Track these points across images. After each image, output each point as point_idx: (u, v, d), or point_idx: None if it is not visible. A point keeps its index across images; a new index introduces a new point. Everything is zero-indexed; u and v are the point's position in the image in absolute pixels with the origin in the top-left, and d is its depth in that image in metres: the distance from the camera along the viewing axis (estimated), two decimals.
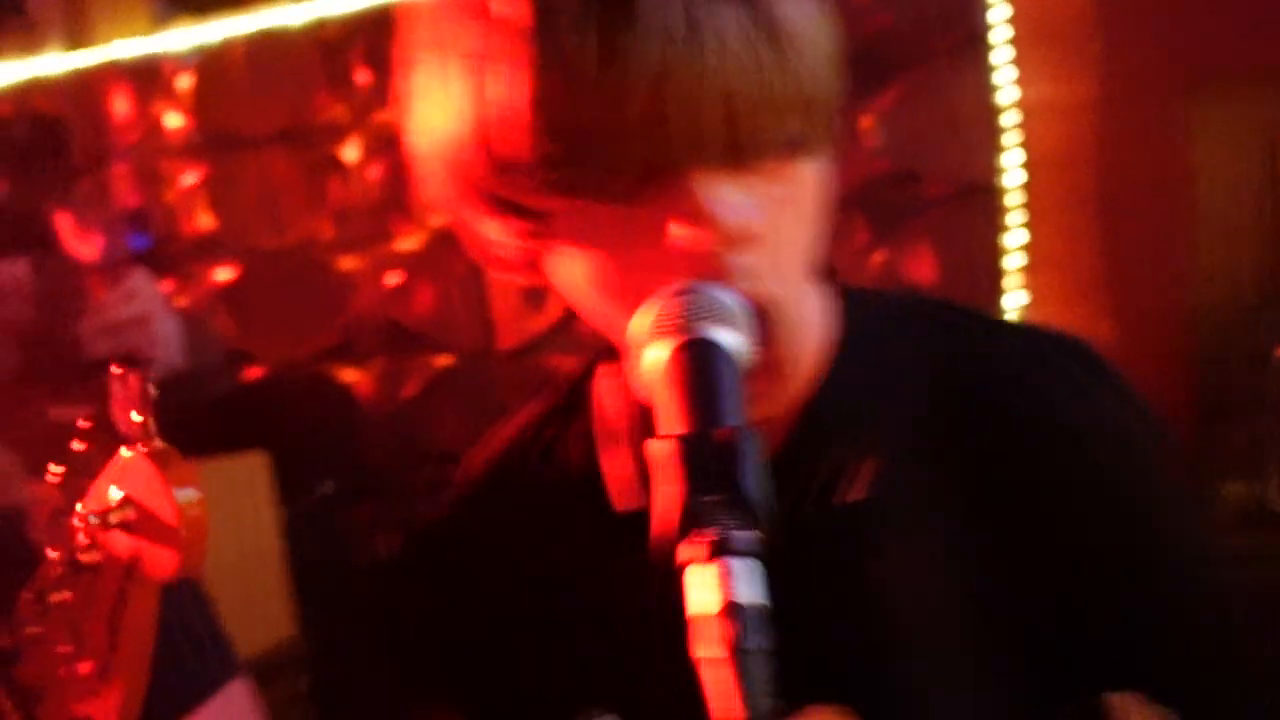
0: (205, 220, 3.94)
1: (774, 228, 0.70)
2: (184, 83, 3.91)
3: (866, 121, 2.91)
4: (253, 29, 3.75)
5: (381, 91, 3.56)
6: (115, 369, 0.75)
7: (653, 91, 0.64)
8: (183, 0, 3.94)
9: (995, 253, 2.84)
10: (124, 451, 0.75)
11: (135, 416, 0.74)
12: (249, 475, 2.84)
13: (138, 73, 4.01)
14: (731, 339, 0.64)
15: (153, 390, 0.75)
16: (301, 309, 3.79)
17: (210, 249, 3.94)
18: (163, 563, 0.73)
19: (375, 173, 3.61)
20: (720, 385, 0.61)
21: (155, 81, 3.97)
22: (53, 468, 0.81)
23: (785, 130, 0.68)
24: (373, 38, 3.54)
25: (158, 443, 0.74)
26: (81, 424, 0.79)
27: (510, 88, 0.66)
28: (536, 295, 3.39)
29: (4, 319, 3.81)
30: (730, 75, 0.65)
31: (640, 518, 0.59)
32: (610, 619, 0.78)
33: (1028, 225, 2.84)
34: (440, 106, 0.70)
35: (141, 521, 0.73)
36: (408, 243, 3.60)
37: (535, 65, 0.65)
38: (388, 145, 3.58)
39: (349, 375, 3.72)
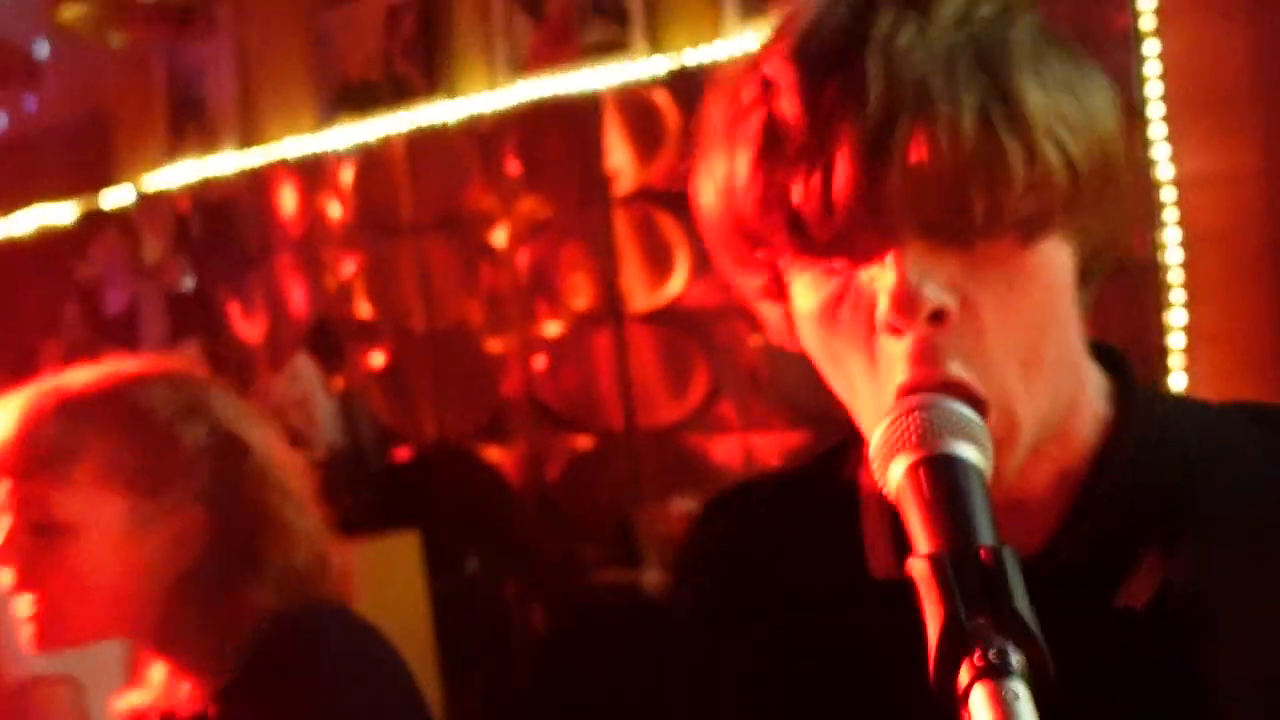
0: (362, 305, 4.13)
1: (992, 315, 0.66)
2: (346, 176, 4.14)
3: None
4: (410, 125, 3.96)
5: (530, 181, 3.70)
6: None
7: (876, 160, 0.64)
8: (346, 100, 4.19)
9: (1156, 331, 2.75)
10: None
11: None
12: (402, 552, 2.93)
13: (303, 168, 4.27)
14: (974, 454, 0.63)
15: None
16: (452, 390, 3.92)
17: (367, 333, 4.12)
18: None
19: (523, 259, 3.73)
20: (972, 502, 0.60)
21: (319, 175, 4.22)
22: None
23: (1016, 211, 0.65)
24: (523, 130, 3.69)
25: None
26: None
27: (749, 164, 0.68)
28: (679, 379, 3.42)
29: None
30: (962, 154, 0.63)
31: (901, 588, 0.58)
32: (869, 697, 0.76)
33: (1188, 303, 2.74)
34: (711, 180, 0.72)
35: None
36: (553, 327, 3.69)
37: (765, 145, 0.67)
38: (535, 233, 3.70)
39: (495, 455, 3.82)
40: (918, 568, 0.57)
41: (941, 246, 0.65)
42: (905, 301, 0.64)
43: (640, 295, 3.49)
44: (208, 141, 4.70)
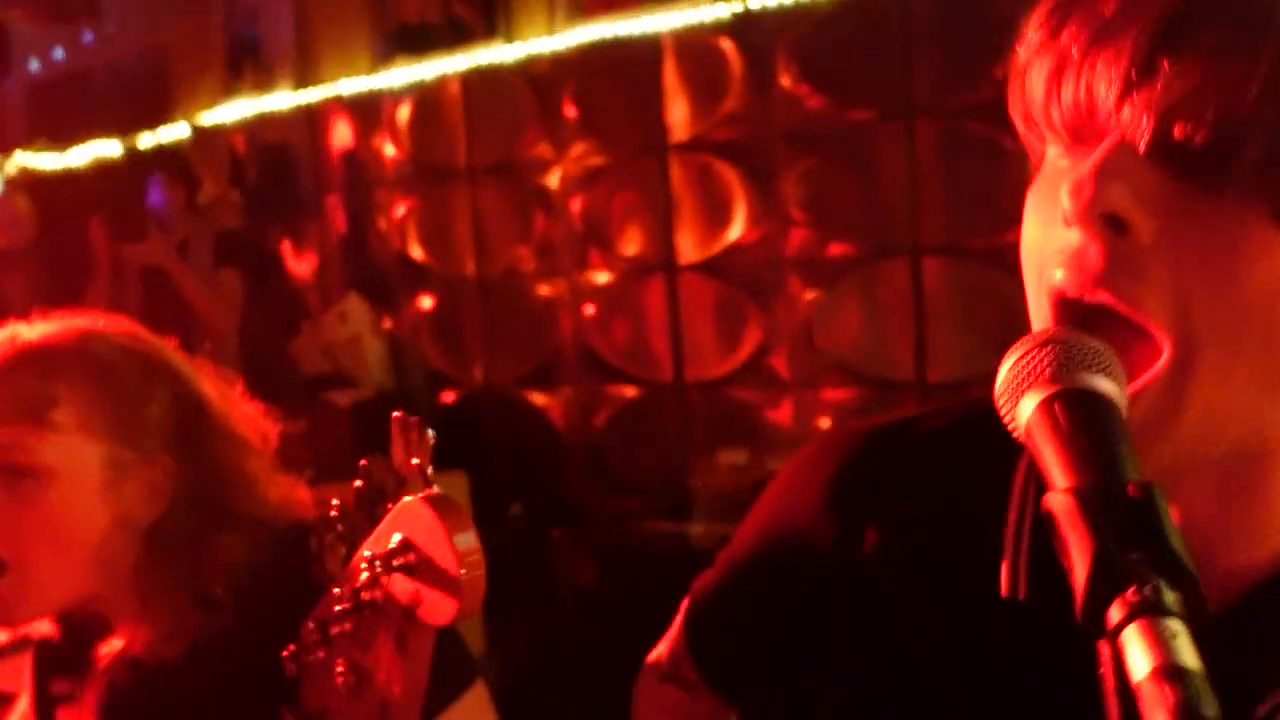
0: (414, 247, 4.12)
1: (1197, 271, 0.62)
2: (401, 117, 4.11)
3: None
4: (467, 67, 3.92)
5: (586, 127, 3.65)
6: (396, 416, 0.77)
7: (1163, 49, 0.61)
8: (402, 41, 4.15)
9: None
10: (406, 497, 0.75)
11: (414, 461, 0.75)
12: (449, 492, 2.93)
13: (359, 108, 4.25)
14: (1113, 390, 0.59)
15: (431, 438, 0.76)
16: (501, 336, 3.91)
17: (418, 275, 4.11)
18: (441, 609, 0.72)
19: (577, 205, 3.69)
20: (1115, 436, 0.56)
21: (375, 116, 4.20)
22: (334, 501, 0.82)
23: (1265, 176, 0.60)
24: (581, 75, 3.64)
25: (436, 489, 0.74)
26: (362, 463, 0.80)
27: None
28: (731, 332, 3.38)
29: (223, 333, 4.04)
30: (1229, 87, 0.60)
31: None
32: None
33: None
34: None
35: (421, 566, 0.73)
36: (605, 275, 3.66)
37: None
38: (590, 180, 3.66)
39: (543, 402, 3.81)
40: (1059, 502, 0.53)
41: (1173, 172, 0.61)
42: (1080, 186, 0.61)
43: (695, 246, 3.44)
44: (264, 80, 4.69)
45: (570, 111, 3.68)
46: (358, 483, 0.78)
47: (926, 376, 3.05)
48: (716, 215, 3.38)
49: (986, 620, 0.74)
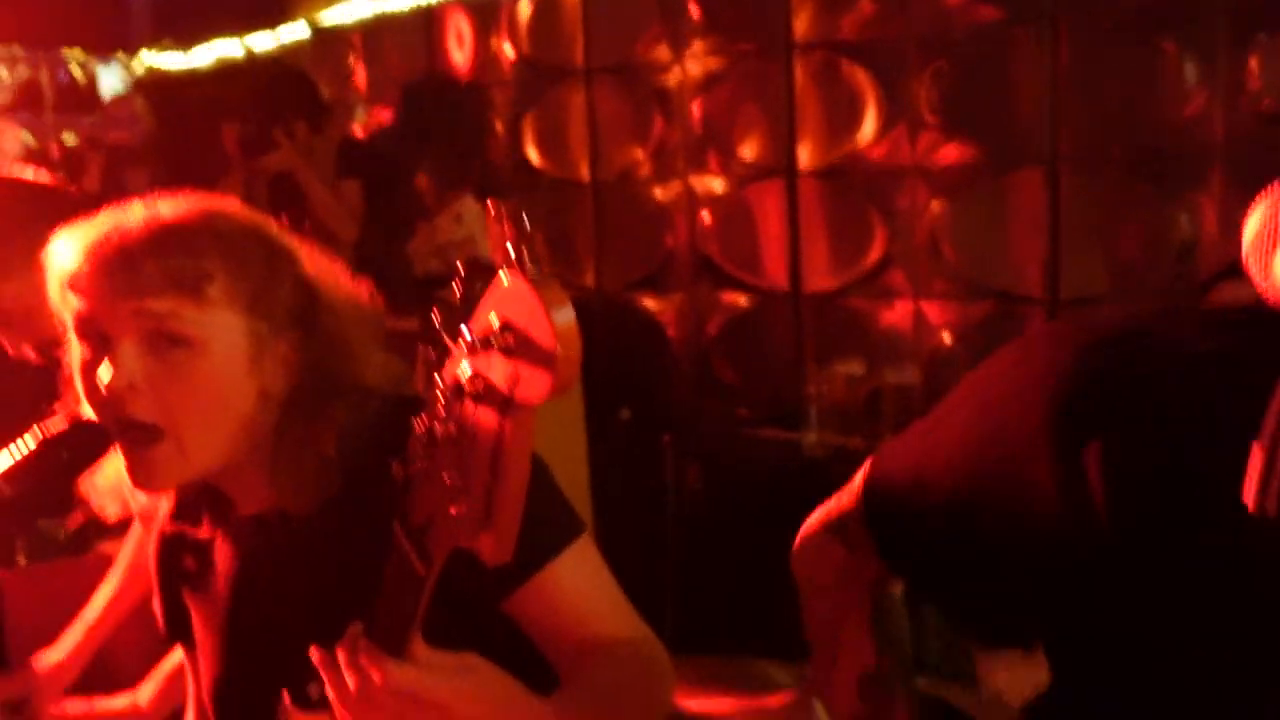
0: (530, 149, 4.09)
1: None
2: (520, 16, 4.05)
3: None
4: None
5: (709, 27, 3.55)
6: (490, 205, 0.77)
7: None
8: None
9: None
10: (502, 277, 0.75)
11: (510, 248, 0.75)
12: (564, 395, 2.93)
13: (477, 7, 4.20)
14: None
15: (526, 223, 0.76)
16: (614, 240, 3.87)
17: (533, 177, 4.09)
18: (537, 385, 0.72)
19: (697, 108, 3.61)
20: None
21: (493, 15, 4.14)
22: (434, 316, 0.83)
23: None
24: None
25: (530, 267, 0.74)
26: (459, 263, 0.81)
27: None
28: (851, 241, 3.29)
29: (342, 241, 4.10)
30: None
31: None
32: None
33: None
34: None
35: (519, 345, 0.73)
36: (723, 180, 3.58)
37: None
38: (711, 82, 3.56)
39: (654, 307, 3.78)
40: None
41: None
42: None
43: (817, 151, 3.34)
44: None
45: (693, 10, 3.57)
46: (456, 283, 0.78)
47: (1058, 292, 2.93)
48: (841, 119, 3.27)
49: (1220, 530, 0.70)
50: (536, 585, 1.11)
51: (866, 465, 1.04)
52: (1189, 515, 0.73)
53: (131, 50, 5.90)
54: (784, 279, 3.43)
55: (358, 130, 4.78)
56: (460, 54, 4.30)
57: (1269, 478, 0.68)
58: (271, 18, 5.19)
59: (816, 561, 1.08)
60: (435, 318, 0.80)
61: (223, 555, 1.25)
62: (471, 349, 0.75)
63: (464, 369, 0.76)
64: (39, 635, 2.08)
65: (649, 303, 3.78)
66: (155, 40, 5.86)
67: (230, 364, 1.12)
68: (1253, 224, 0.57)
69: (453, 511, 0.79)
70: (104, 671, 2.01)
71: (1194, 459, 0.74)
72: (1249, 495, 0.68)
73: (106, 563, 2.35)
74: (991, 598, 0.91)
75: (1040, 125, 2.95)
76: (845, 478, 2.95)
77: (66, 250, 1.13)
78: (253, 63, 5.35)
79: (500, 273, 0.75)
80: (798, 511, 2.93)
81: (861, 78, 3.21)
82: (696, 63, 3.59)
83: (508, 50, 4.13)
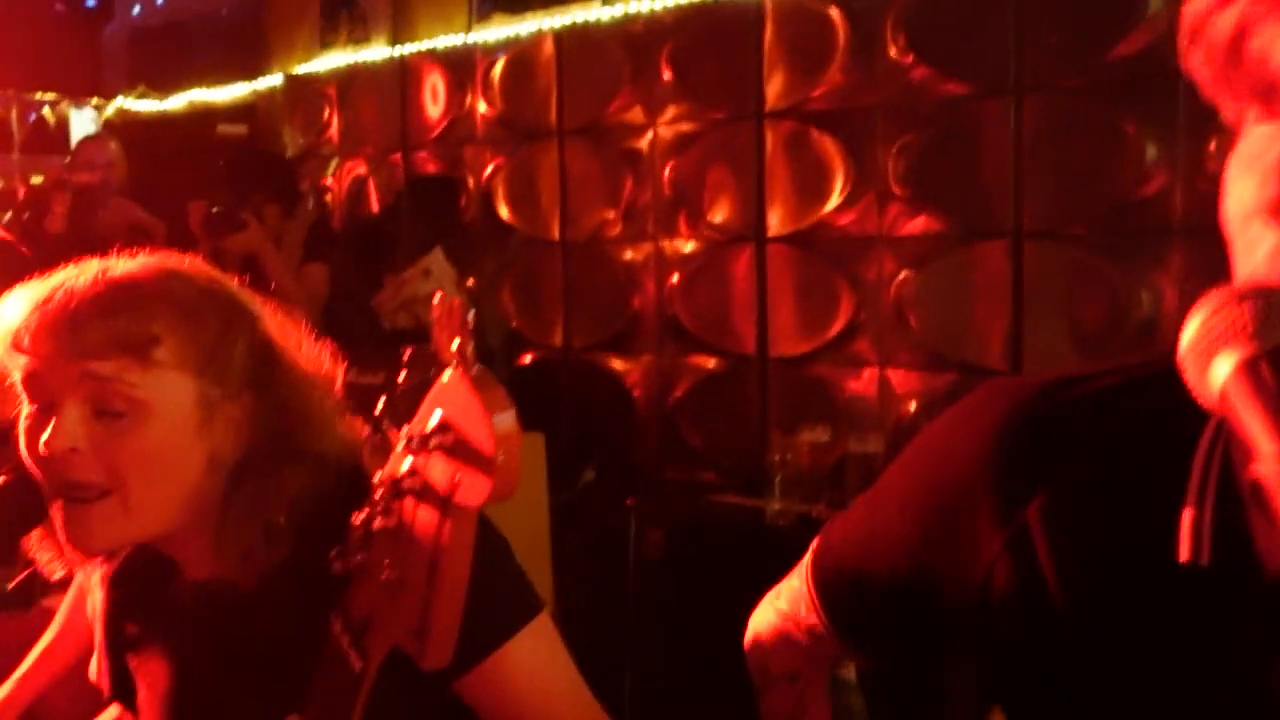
0: (500, 206, 4.09)
1: None
2: (494, 75, 4.08)
3: None
4: (562, 25, 3.87)
5: (681, 91, 3.58)
6: (437, 300, 0.76)
7: None
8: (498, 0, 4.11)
9: None
10: (444, 376, 0.73)
11: (454, 344, 0.73)
12: (527, 454, 2.91)
13: (451, 63, 4.23)
14: None
15: (471, 320, 0.74)
16: (583, 300, 3.87)
17: (502, 234, 4.09)
18: (476, 489, 0.70)
19: (668, 171, 3.63)
20: None
21: (467, 72, 4.17)
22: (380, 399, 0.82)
23: None
24: (678, 37, 3.56)
25: (475, 368, 0.72)
26: (406, 353, 0.80)
27: None
28: (818, 308, 3.30)
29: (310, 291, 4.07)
30: None
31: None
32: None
33: None
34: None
35: (458, 446, 0.71)
36: (692, 243, 3.60)
37: None
38: (682, 145, 3.59)
39: (621, 369, 3.77)
40: (1271, 469, 0.47)
41: None
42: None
43: (786, 217, 3.36)
44: (359, 34, 4.70)
45: (665, 74, 3.61)
46: (402, 375, 0.77)
47: (1021, 365, 2.95)
48: (810, 187, 3.30)
49: (1158, 584, 0.69)
50: (491, 667, 1.08)
51: (815, 542, 1.02)
52: (1130, 572, 0.72)
53: (107, 96, 5.89)
54: (751, 343, 3.44)
55: (331, 184, 4.78)
56: (434, 108, 4.32)
57: (1199, 531, 0.68)
58: (247, 66, 5.21)
59: (770, 649, 1.05)
60: (378, 406, 0.79)
61: (168, 621, 1.22)
62: (411, 445, 0.73)
63: (404, 464, 0.74)
64: None
65: (616, 363, 3.77)
66: (131, 86, 5.86)
67: (177, 428, 1.09)
68: (1190, 330, 0.57)
69: (390, 612, 0.76)
70: None
71: (1130, 513, 0.73)
72: (1183, 550, 0.68)
73: (49, 617, 2.29)
74: (944, 671, 0.90)
75: (1005, 198, 2.99)
76: (808, 546, 2.93)
77: (14, 308, 1.11)
78: (229, 108, 5.36)
79: (446, 369, 0.74)
80: (760, 580, 2.89)
81: (830, 146, 3.24)
82: (668, 126, 3.62)
83: (481, 107, 4.15)
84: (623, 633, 2.98)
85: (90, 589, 1.88)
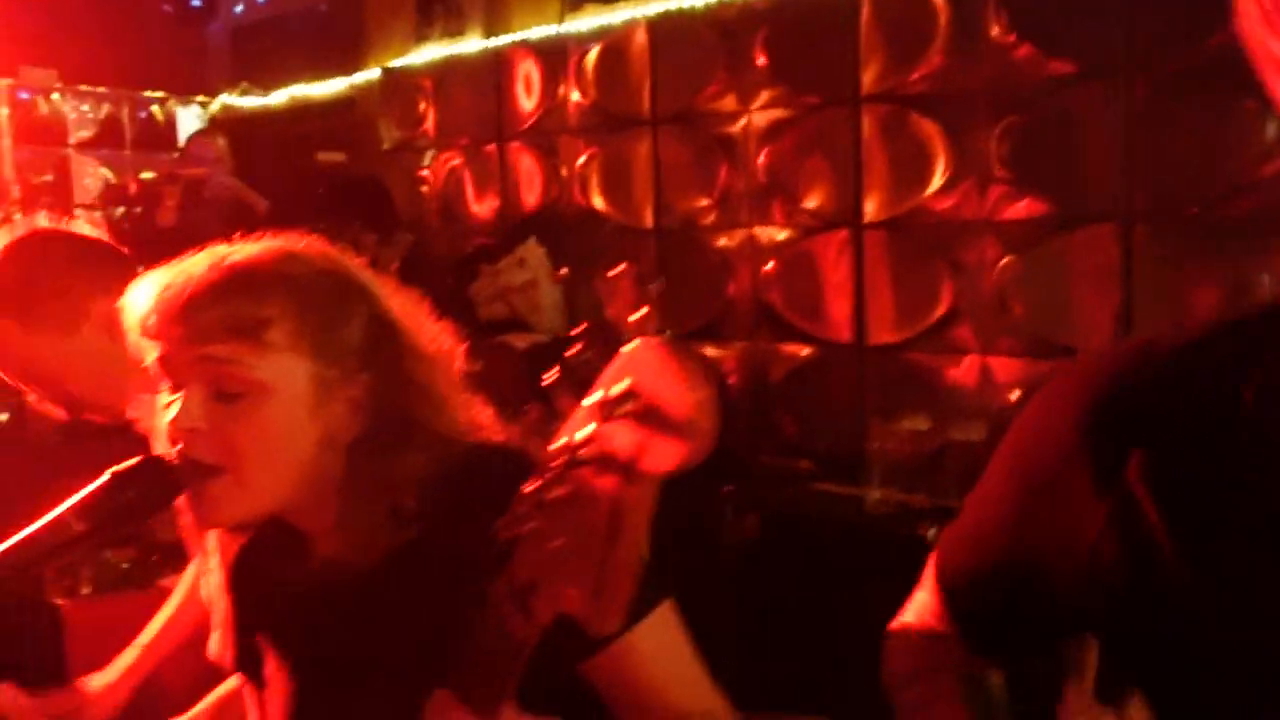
0: (593, 195, 4.11)
1: None
2: (588, 64, 4.09)
3: None
4: (656, 13, 3.86)
5: (776, 77, 3.55)
6: (611, 273, 0.76)
7: None
8: None
9: None
10: (630, 345, 0.72)
11: (636, 313, 0.73)
12: None
13: (545, 53, 4.25)
14: None
15: (655, 289, 0.74)
16: (675, 287, 3.87)
17: (595, 223, 4.10)
18: (667, 454, 0.70)
19: (761, 157, 3.60)
20: None
21: (561, 62, 4.19)
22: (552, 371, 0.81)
23: None
24: (773, 23, 3.53)
25: (666, 334, 0.72)
26: (582, 327, 0.79)
27: None
28: (916, 294, 3.25)
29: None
30: None
31: None
32: None
33: None
34: None
35: (648, 413, 0.70)
36: (787, 230, 3.57)
37: None
38: (777, 131, 3.57)
39: (714, 356, 3.76)
40: None
41: None
42: None
43: (882, 203, 3.31)
44: (454, 27, 4.76)
45: (759, 60, 3.58)
46: (576, 348, 0.76)
47: None
48: (908, 172, 3.24)
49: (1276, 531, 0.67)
50: (618, 650, 1.07)
51: (933, 553, 1.00)
52: (1248, 520, 0.70)
53: (211, 93, 6.07)
54: (847, 331, 3.40)
55: (428, 175, 4.85)
56: (527, 98, 4.36)
57: None
58: (345, 61, 5.31)
59: (899, 655, 1.04)
60: (552, 376, 0.79)
61: (295, 595, 1.25)
62: (595, 413, 0.73)
63: (582, 433, 0.74)
64: (98, 664, 2.11)
65: (709, 351, 3.76)
66: (233, 84, 6.02)
67: (292, 408, 1.11)
68: None
69: (561, 576, 0.77)
70: (153, 699, 2.03)
71: (1238, 457, 0.71)
72: None
73: (165, 596, 2.38)
74: (1070, 663, 0.87)
75: (1113, 180, 2.90)
76: (908, 536, 2.88)
77: (143, 296, 1.15)
78: (326, 103, 5.47)
79: (631, 337, 0.73)
80: (859, 568, 2.87)
81: (930, 130, 3.18)
82: (762, 112, 3.59)
83: (575, 96, 4.17)
84: (718, 619, 2.98)
85: (210, 570, 1.95)
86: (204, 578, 2.00)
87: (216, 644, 1.98)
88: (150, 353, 1.14)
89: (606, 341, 0.76)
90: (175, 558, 2.46)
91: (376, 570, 1.15)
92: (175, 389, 1.13)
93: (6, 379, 1.75)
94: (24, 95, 5.40)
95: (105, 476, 1.16)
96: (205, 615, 2.11)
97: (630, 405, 0.70)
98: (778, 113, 3.56)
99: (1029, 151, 3.03)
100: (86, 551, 1.33)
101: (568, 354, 0.79)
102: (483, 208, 4.57)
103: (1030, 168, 3.03)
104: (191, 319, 1.10)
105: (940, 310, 3.20)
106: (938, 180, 3.18)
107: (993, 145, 3.07)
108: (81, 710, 1.92)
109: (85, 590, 2.91)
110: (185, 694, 2.03)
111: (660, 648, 1.11)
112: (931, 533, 2.65)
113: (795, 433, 3.52)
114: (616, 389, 0.71)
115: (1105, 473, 0.77)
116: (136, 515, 1.17)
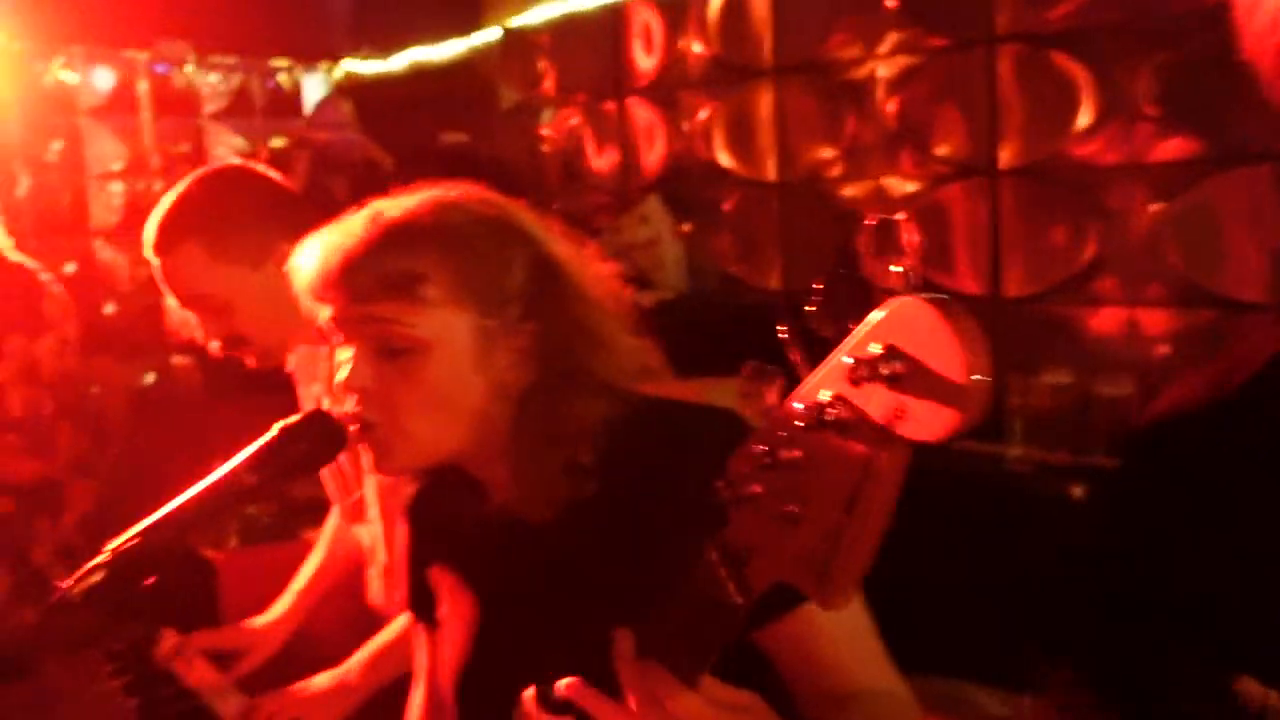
0: (716, 149, 4.04)
1: None
2: (710, 14, 4.01)
3: None
4: None
5: (905, 20, 3.42)
6: (869, 221, 0.70)
7: None
8: None
9: None
10: (890, 303, 0.66)
11: (896, 267, 0.67)
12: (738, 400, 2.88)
13: (666, 5, 4.18)
14: None
15: (915, 238, 0.68)
16: (801, 241, 3.79)
17: (718, 178, 4.04)
18: (934, 422, 0.64)
19: (891, 104, 3.49)
20: None
21: (682, 14, 4.12)
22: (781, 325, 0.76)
23: None
24: None
25: (935, 295, 0.65)
26: (822, 281, 0.73)
27: None
28: (1060, 242, 3.11)
29: None
30: None
31: None
32: None
33: None
34: None
35: (911, 374, 0.64)
36: (918, 179, 3.45)
37: None
38: (907, 77, 3.44)
39: None
40: None
41: None
42: None
43: (1021, 148, 3.17)
44: None
45: (887, 1, 3.45)
46: (815, 301, 0.71)
47: None
48: (1048, 114, 3.09)
49: None
50: (797, 620, 1.04)
51: None
52: None
53: (334, 58, 6.17)
54: (980, 283, 3.28)
55: (547, 134, 4.85)
56: (647, 52, 4.30)
57: None
58: (464, 23, 5.33)
59: None
60: (783, 332, 0.74)
61: (471, 542, 1.25)
62: (845, 373, 0.67)
63: (824, 394, 0.69)
64: (248, 612, 2.19)
65: None
66: (355, 48, 6.11)
67: (455, 362, 1.10)
68: None
69: (787, 545, 0.72)
70: (304, 645, 2.10)
71: None
72: None
73: (308, 548, 2.45)
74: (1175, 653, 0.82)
75: (1271, 117, 2.71)
76: (1051, 494, 2.77)
77: (309, 257, 1.16)
78: (447, 66, 5.51)
79: (891, 294, 0.67)
80: (1000, 528, 2.77)
81: (1073, 70, 3.02)
82: (890, 58, 3.47)
83: (696, 48, 4.10)
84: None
85: (370, 519, 1.99)
86: (361, 527, 2.05)
87: (378, 588, 2.02)
88: (321, 313, 1.15)
89: (848, 299, 0.70)
90: (314, 511, 2.54)
91: (556, 523, 1.13)
92: (346, 347, 1.14)
93: (177, 302, 1.81)
94: (160, 68, 5.58)
95: (273, 431, 1.19)
96: (349, 564, 2.17)
97: (894, 367, 0.64)
98: (906, 57, 3.43)
99: (1181, 89, 2.85)
100: (256, 502, 1.36)
101: (805, 308, 0.74)
102: (602, 164, 4.55)
103: (1182, 106, 2.86)
104: (351, 280, 1.10)
105: (1084, 259, 3.05)
106: (1081, 122, 3.02)
107: (1141, 83, 2.90)
108: (245, 648, 2.00)
109: (232, 543, 3.04)
110: (332, 640, 2.09)
111: (840, 622, 1.06)
112: (1076, 491, 2.55)
113: None
114: (874, 348, 0.65)
115: None
116: (305, 468, 1.20)
